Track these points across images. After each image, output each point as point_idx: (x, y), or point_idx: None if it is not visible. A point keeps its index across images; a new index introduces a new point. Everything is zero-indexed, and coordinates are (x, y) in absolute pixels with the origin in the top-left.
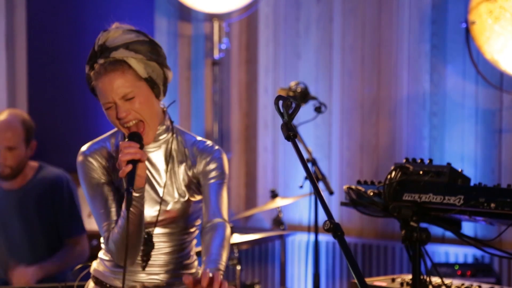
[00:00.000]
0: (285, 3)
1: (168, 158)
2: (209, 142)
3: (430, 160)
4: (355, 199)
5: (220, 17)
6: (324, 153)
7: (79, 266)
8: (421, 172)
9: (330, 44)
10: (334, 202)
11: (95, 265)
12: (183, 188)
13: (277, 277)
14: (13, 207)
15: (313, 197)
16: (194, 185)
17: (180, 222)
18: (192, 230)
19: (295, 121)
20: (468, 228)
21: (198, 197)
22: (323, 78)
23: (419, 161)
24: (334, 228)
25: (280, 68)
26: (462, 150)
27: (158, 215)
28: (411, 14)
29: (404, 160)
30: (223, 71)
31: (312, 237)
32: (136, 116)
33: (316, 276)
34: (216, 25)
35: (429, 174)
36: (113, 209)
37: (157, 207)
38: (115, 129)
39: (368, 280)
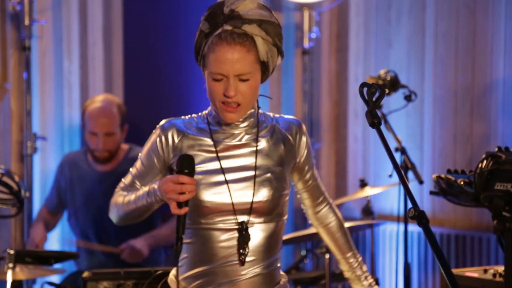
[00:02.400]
0: None
1: (256, 141)
2: (292, 118)
3: None
4: (445, 188)
5: (310, 6)
6: (416, 142)
7: (159, 272)
8: None
9: (423, 32)
10: (426, 192)
11: (171, 275)
12: (275, 174)
13: (367, 267)
14: (107, 188)
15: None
16: (287, 171)
17: (273, 211)
18: (283, 218)
19: (385, 110)
20: None
21: (287, 188)
22: (415, 66)
23: None
24: (419, 216)
25: (371, 56)
26: None
27: (251, 204)
28: None
29: (496, 149)
30: (313, 60)
31: (402, 226)
32: (239, 99)
33: (406, 266)
34: (306, 14)
35: None
36: (140, 185)
37: (250, 195)
38: (197, 114)
39: (460, 271)
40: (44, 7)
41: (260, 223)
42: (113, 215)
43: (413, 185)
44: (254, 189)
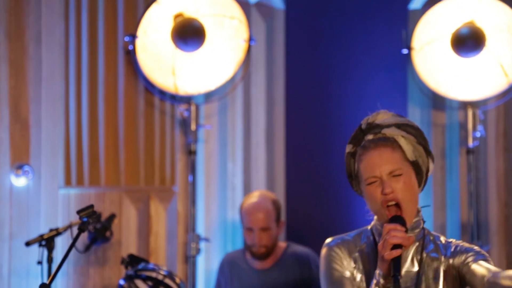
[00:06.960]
0: None
1: (420, 260)
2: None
3: None
4: None
5: (474, 104)
6: None
7: None
8: None
9: None
10: None
11: None
12: None
13: None
14: (266, 286)
15: None
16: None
17: None
18: None
19: None
20: None
21: None
22: None
23: None
24: None
25: None
26: None
27: None
28: None
29: None
30: (478, 159)
31: None
32: (397, 196)
33: None
34: (470, 113)
35: None
36: None
37: None
38: (361, 229)
39: None
40: (211, 113)
41: None
42: None
43: None
44: None
